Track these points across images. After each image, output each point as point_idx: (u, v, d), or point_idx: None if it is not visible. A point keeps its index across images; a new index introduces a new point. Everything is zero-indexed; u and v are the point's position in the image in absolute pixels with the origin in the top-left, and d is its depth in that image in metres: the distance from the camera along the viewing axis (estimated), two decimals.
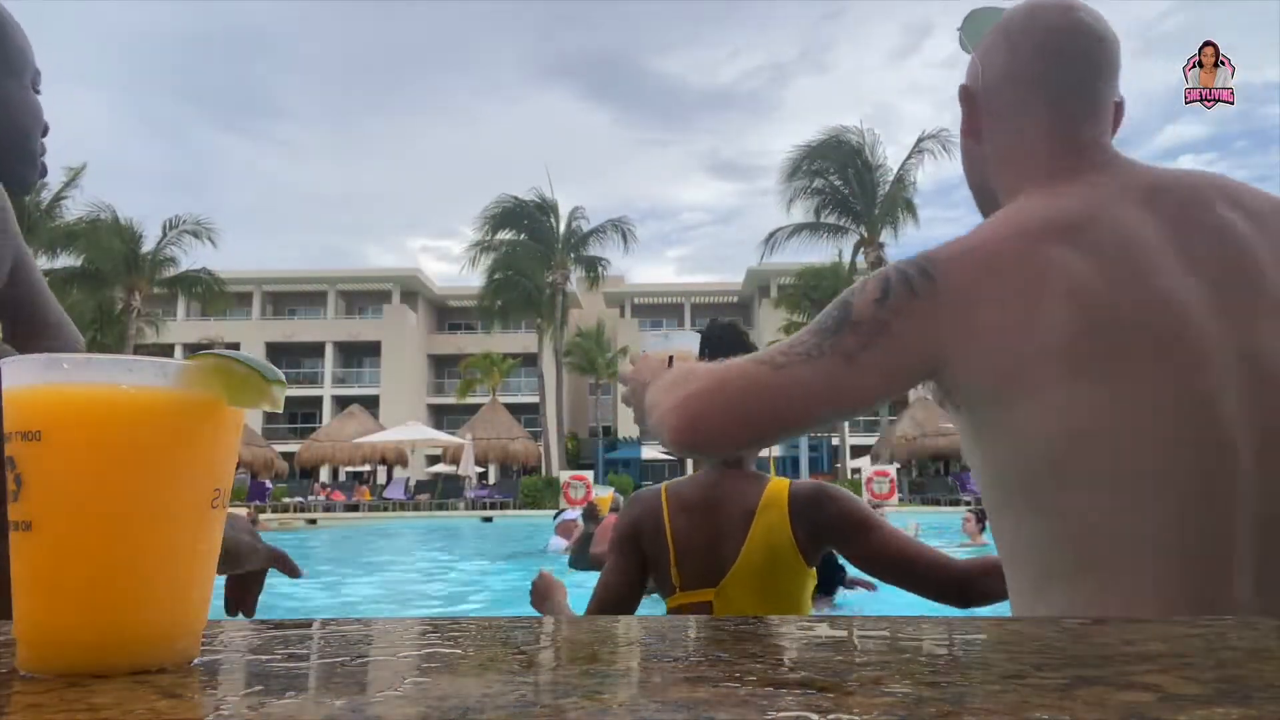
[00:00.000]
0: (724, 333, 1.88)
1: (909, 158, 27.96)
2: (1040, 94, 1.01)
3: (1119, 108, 1.03)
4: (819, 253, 29.99)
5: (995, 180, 1.06)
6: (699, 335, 1.67)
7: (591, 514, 5.30)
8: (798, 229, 29.26)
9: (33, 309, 1.09)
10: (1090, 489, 0.85)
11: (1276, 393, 0.85)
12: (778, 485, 1.76)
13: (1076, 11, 1.01)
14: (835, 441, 30.64)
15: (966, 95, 1.08)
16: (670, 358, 1.18)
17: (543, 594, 1.90)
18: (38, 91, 1.18)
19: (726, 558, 1.69)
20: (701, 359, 1.66)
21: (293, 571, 1.13)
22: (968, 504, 22.79)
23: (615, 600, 1.76)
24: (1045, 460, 0.87)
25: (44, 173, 1.21)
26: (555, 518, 10.96)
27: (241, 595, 1.09)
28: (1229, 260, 0.89)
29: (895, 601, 4.34)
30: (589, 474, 22.80)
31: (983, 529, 10.28)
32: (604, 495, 5.36)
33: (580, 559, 5.31)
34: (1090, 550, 0.86)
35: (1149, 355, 0.85)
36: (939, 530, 11.60)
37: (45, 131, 1.21)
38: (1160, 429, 0.84)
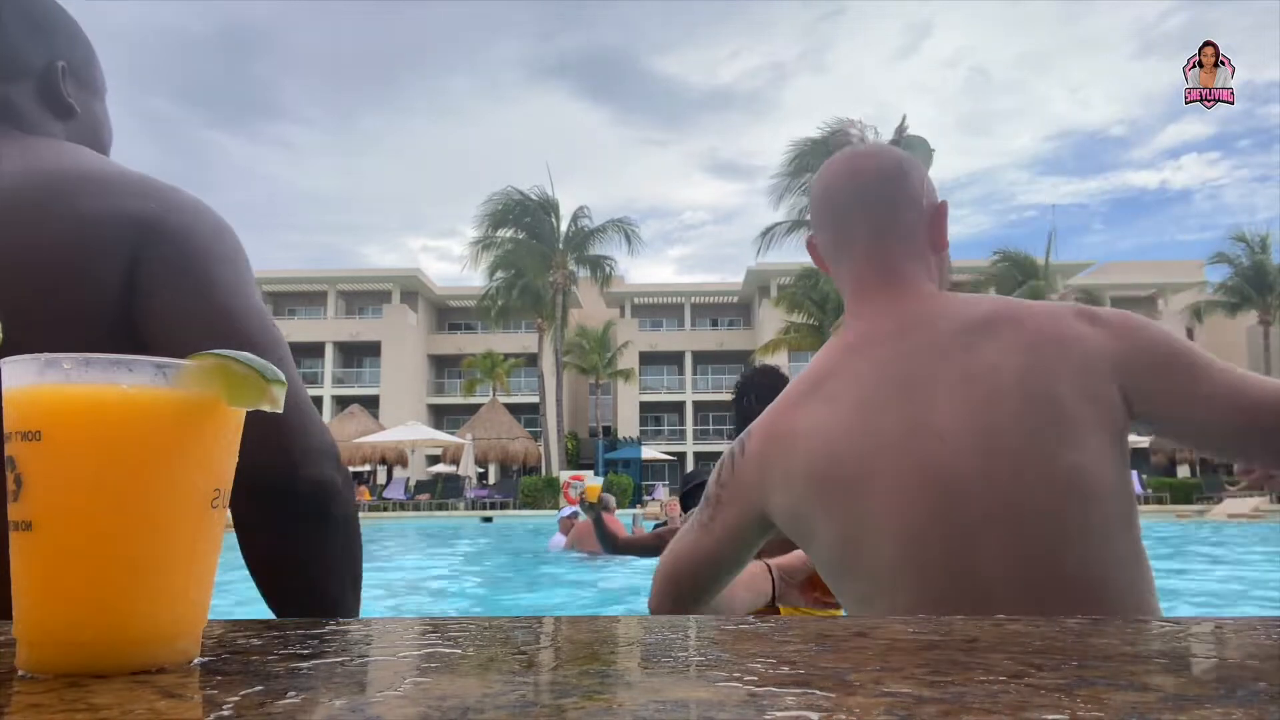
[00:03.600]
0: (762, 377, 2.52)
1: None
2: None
3: None
4: None
5: None
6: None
7: (587, 505, 5.36)
8: (795, 226, 29.22)
9: None
10: None
11: None
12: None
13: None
14: None
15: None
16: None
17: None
18: None
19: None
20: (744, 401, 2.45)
21: None
22: None
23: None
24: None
25: None
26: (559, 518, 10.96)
27: None
28: None
29: None
30: (588, 473, 22.79)
31: None
32: (594, 484, 5.43)
33: (606, 543, 5.38)
34: None
35: None
36: None
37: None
38: None
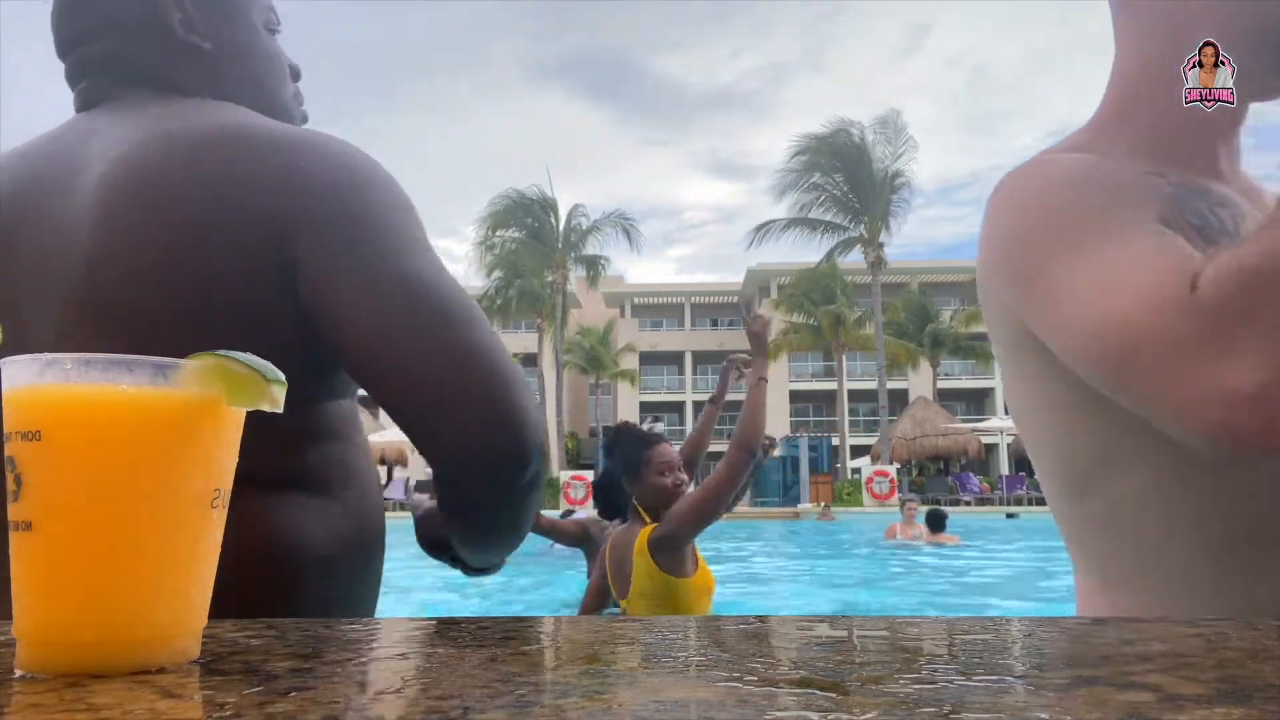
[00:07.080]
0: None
1: (902, 149, 28.03)
2: None
3: None
4: (820, 250, 30.00)
5: None
6: None
7: None
8: (792, 223, 29.25)
9: None
10: None
11: None
12: (643, 535, 2.89)
13: None
14: (835, 441, 30.60)
15: None
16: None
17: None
18: (273, 32, 1.01)
19: (628, 582, 2.93)
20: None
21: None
22: (967, 504, 22.80)
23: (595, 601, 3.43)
24: None
25: (304, 121, 1.04)
26: (562, 517, 10.95)
27: None
28: None
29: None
30: (589, 474, 22.77)
31: (937, 529, 11.57)
32: None
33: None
34: None
35: None
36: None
37: (296, 76, 1.04)
38: None
